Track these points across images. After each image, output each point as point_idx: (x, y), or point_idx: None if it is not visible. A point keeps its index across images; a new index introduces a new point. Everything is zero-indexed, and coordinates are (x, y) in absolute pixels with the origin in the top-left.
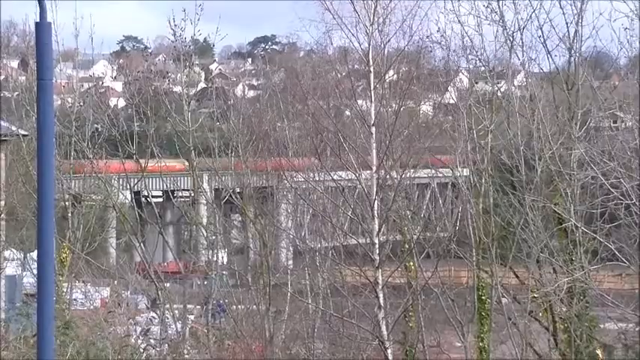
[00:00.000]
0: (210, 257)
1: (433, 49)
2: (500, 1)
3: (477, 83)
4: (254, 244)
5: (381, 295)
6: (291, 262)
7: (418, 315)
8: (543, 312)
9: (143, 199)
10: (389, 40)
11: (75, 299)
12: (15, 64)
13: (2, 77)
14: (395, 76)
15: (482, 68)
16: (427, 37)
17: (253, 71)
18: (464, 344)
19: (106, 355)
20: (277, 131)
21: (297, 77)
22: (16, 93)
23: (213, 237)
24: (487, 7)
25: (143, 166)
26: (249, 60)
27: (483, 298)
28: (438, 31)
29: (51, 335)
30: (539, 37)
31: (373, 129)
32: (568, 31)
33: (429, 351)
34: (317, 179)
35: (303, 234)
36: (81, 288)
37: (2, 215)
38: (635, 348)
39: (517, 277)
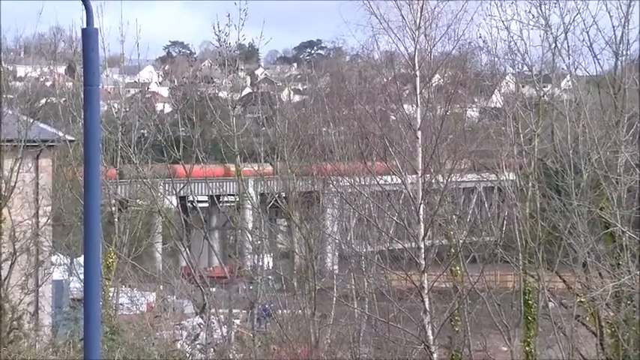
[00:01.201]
0: (255, 262)
1: (479, 54)
2: (544, 5)
3: (523, 87)
4: (299, 248)
5: (426, 300)
6: (336, 266)
7: (464, 319)
8: (590, 316)
9: (189, 204)
10: (435, 45)
11: (121, 304)
12: (62, 69)
13: (49, 83)
14: (441, 80)
15: (528, 72)
16: (469, 42)
17: (299, 76)
18: (510, 349)
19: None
20: (323, 136)
21: (343, 81)
22: (63, 99)
23: (259, 242)
24: (528, 12)
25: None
26: (295, 65)
27: (530, 302)
28: (480, 37)
29: (98, 340)
30: (585, 40)
31: (419, 133)
32: (614, 34)
33: (475, 355)
34: (363, 184)
35: (348, 238)
36: (127, 293)
37: (49, 220)
38: None
39: (564, 281)
